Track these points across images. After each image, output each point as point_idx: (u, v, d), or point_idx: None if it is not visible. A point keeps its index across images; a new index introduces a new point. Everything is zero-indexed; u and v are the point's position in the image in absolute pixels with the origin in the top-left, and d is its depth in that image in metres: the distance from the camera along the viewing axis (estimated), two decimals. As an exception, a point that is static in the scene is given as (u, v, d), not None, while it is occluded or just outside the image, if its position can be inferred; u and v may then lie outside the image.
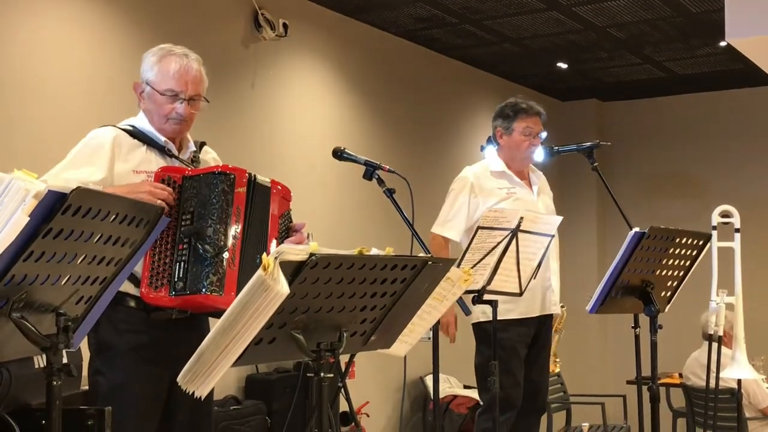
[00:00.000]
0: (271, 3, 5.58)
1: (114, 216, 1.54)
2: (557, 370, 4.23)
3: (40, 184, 1.24)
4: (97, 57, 4.65)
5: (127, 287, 2.58)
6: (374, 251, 2.10)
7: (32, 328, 1.45)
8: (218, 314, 2.66)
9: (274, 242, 2.71)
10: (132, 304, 2.58)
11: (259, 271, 1.75)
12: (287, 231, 2.80)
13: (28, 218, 1.23)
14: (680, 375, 6.31)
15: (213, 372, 1.77)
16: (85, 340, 2.64)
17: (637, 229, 3.02)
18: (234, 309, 1.77)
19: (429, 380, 6.27)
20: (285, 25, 5.60)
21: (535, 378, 3.96)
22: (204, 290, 2.53)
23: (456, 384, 6.57)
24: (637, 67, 7.62)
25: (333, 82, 6.19)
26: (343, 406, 5.45)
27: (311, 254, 1.88)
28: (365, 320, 2.23)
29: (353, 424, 5.54)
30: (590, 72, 7.84)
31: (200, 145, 2.89)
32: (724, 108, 8.37)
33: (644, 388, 3.53)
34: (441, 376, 6.45)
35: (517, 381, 3.86)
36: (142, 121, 2.78)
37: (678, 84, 8.11)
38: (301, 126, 5.92)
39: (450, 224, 4.00)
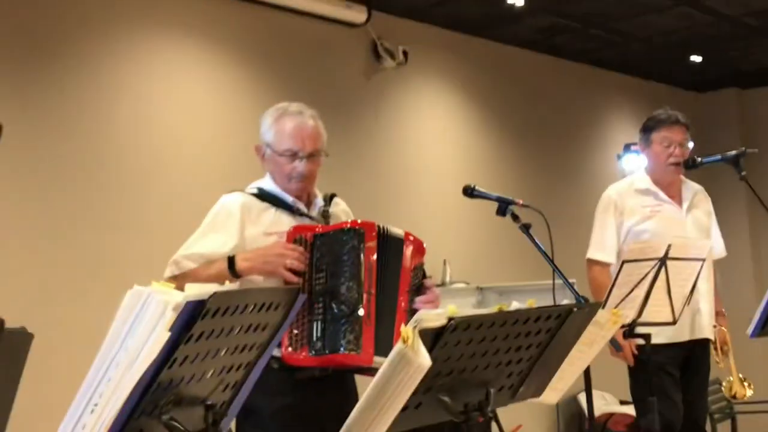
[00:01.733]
0: (388, 32, 5.59)
1: (252, 307, 1.54)
2: (750, 393, 3.97)
3: (178, 296, 1.25)
4: (225, 114, 4.78)
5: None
6: (514, 305, 2.04)
7: (182, 429, 1.46)
8: (358, 370, 2.68)
9: (405, 296, 2.68)
10: (275, 365, 2.59)
11: (399, 344, 1.71)
12: (420, 286, 2.76)
13: (169, 333, 1.25)
14: None
15: (361, 448, 1.75)
16: None
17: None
18: (377, 384, 1.74)
19: (583, 398, 6.10)
20: (405, 53, 5.60)
21: (691, 400, 3.78)
22: (342, 349, 2.53)
23: (612, 400, 6.37)
24: (777, 52, 7.23)
25: (457, 103, 6.14)
26: None
27: (450, 318, 1.84)
28: (512, 374, 2.16)
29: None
30: (727, 62, 7.49)
31: (330, 198, 2.89)
32: None
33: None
34: (595, 392, 6.29)
35: (673, 402, 3.68)
36: (268, 183, 2.81)
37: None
38: (429, 152, 5.90)
39: (603, 246, 3.86)
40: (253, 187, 2.82)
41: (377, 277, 2.61)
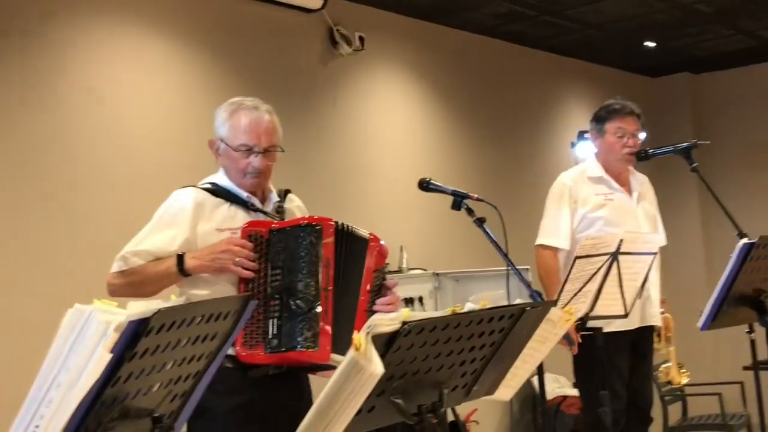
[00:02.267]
0: (345, 18, 5.54)
1: (199, 319, 1.51)
2: (685, 380, 4.05)
3: (120, 317, 1.22)
4: (178, 102, 4.69)
5: None
6: (468, 306, 2.03)
7: (127, 446, 1.43)
8: (315, 369, 2.67)
9: (367, 296, 2.66)
10: (228, 364, 2.56)
11: (351, 352, 1.70)
12: (380, 287, 2.75)
13: (110, 354, 1.21)
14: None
15: (313, 456, 1.73)
16: None
17: (745, 240, 2.86)
18: (329, 391, 1.73)
19: (536, 381, 6.15)
20: (361, 39, 5.56)
21: (636, 387, 3.83)
22: (299, 347, 2.51)
23: (565, 383, 6.43)
24: (729, 38, 7.31)
25: (415, 89, 6.12)
26: (451, 416, 5.41)
27: (403, 322, 1.83)
28: (465, 373, 2.16)
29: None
30: (680, 48, 7.56)
31: (284, 194, 2.86)
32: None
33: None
34: (549, 375, 6.36)
35: (618, 394, 3.72)
36: (222, 178, 2.77)
37: (774, 50, 7.74)
38: (386, 139, 5.88)
39: (556, 232, 3.86)
40: (206, 182, 2.78)
41: (335, 274, 2.58)
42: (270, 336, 2.52)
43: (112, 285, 2.64)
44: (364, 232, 2.68)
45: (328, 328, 2.53)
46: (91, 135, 4.34)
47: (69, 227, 4.22)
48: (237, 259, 2.54)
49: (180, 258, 2.59)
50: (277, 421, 2.63)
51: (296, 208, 2.90)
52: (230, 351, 2.57)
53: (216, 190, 2.73)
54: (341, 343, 2.53)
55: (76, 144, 4.29)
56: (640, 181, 4.03)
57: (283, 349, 2.51)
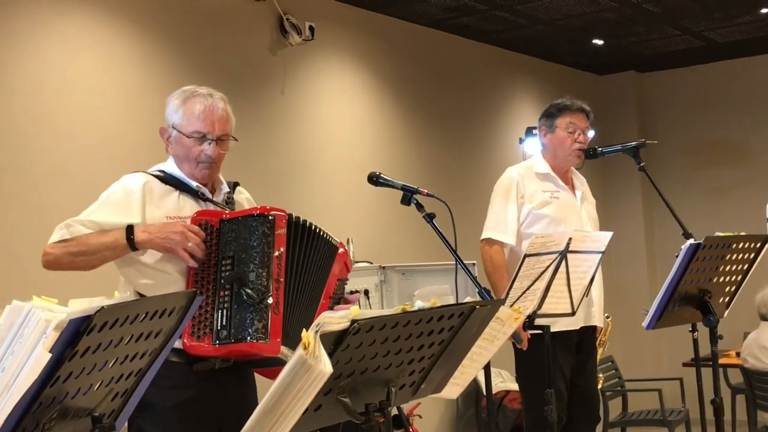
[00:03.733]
0: (295, 7, 5.47)
1: (143, 316, 1.46)
2: (599, 385, 4.11)
3: (61, 314, 1.16)
4: (122, 89, 4.57)
5: None
6: (418, 304, 2.01)
7: (66, 447, 1.38)
8: (263, 363, 2.62)
9: (328, 300, 2.65)
10: (173, 357, 2.50)
11: (299, 350, 1.66)
12: (340, 299, 2.74)
13: (50, 354, 1.16)
14: (738, 354, 6.16)
15: (259, 455, 1.69)
16: None
17: (692, 240, 2.89)
18: (276, 390, 1.69)
19: (481, 375, 6.18)
20: (311, 28, 5.50)
21: (585, 387, 3.84)
22: (249, 338, 2.45)
23: (508, 378, 6.47)
24: (675, 38, 7.41)
25: (364, 81, 6.08)
26: (395, 410, 5.41)
27: (353, 321, 1.80)
28: (413, 372, 2.14)
29: (403, 429, 5.48)
30: (627, 46, 7.64)
31: (233, 186, 2.82)
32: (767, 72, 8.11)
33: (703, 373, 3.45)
34: (492, 370, 6.39)
35: (560, 393, 3.73)
36: (171, 167, 2.71)
37: (719, 51, 7.86)
38: (335, 130, 5.83)
39: (505, 227, 3.82)
40: (155, 170, 2.72)
41: (287, 266, 2.54)
42: (218, 327, 2.47)
43: (49, 255, 2.53)
44: (335, 239, 2.69)
45: (279, 319, 2.49)
46: (36, 125, 4.21)
47: (8, 220, 4.09)
48: (189, 244, 2.48)
49: (130, 229, 2.51)
50: (222, 417, 2.58)
51: (245, 200, 2.86)
52: (176, 344, 2.51)
53: (166, 178, 2.67)
54: (292, 337, 2.49)
55: (21, 134, 4.16)
56: (581, 181, 4.05)
57: (233, 341, 2.46)
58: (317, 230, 2.64)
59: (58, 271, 2.58)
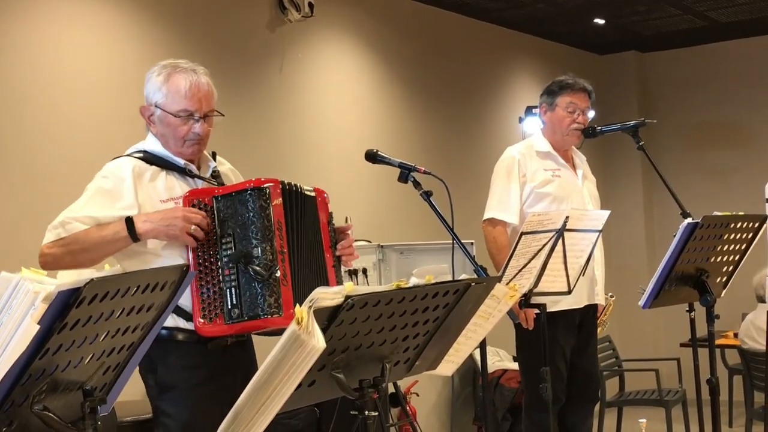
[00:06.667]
0: (294, -17, 5.43)
1: (134, 290, 1.45)
2: None
3: (50, 285, 1.15)
4: (117, 67, 4.53)
5: (178, 322, 2.52)
6: (413, 281, 2.00)
7: (56, 419, 1.37)
8: (275, 332, 2.59)
9: (330, 252, 2.63)
10: (185, 338, 2.52)
11: (293, 325, 1.66)
12: (336, 235, 2.70)
13: (38, 326, 1.15)
14: (735, 335, 6.17)
15: (251, 430, 1.69)
16: (142, 388, 2.60)
17: (689, 220, 2.87)
18: (268, 365, 1.68)
19: (477, 354, 6.18)
20: (311, 5, 5.45)
21: (585, 367, 3.84)
22: (263, 314, 2.45)
23: (505, 357, 6.49)
24: (677, 18, 7.36)
25: (363, 58, 6.05)
26: (392, 388, 5.41)
27: (347, 297, 1.79)
28: (408, 348, 2.14)
29: (400, 407, 5.50)
30: (629, 26, 7.60)
31: (213, 157, 2.75)
32: (769, 53, 8.07)
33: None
34: (489, 349, 6.39)
35: (560, 373, 3.74)
36: (153, 145, 2.64)
37: (720, 31, 7.82)
38: (333, 108, 5.80)
39: (508, 207, 3.78)
40: (136, 150, 2.64)
41: (288, 235, 2.51)
42: (229, 306, 2.46)
43: (47, 256, 2.46)
44: (309, 188, 2.62)
45: (289, 291, 2.48)
46: (27, 99, 4.18)
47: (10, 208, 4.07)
48: (191, 228, 2.45)
49: (130, 221, 2.47)
50: (235, 390, 2.59)
51: (229, 170, 2.80)
52: (186, 325, 2.52)
53: (150, 158, 2.61)
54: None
55: (9, 108, 4.13)
56: (582, 159, 4.03)
57: (246, 318, 2.45)
58: (303, 191, 2.59)
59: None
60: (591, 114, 3.92)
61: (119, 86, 4.52)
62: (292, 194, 2.57)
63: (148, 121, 2.65)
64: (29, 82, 4.18)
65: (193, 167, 2.65)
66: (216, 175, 2.69)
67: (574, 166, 3.95)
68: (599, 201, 4.01)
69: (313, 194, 2.62)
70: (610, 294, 3.96)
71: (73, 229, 2.48)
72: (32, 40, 4.20)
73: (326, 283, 2.56)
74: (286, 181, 2.56)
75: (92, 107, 4.42)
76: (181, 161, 2.63)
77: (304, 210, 2.59)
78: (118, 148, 2.73)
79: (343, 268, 2.74)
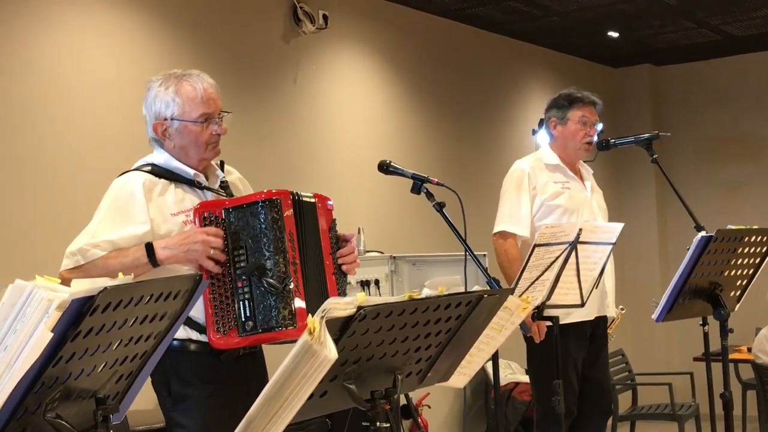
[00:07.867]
0: (309, -5, 5.46)
1: (148, 298, 1.46)
2: None
3: (64, 293, 1.16)
4: (132, 79, 4.55)
5: (190, 334, 2.53)
6: (426, 292, 2.00)
7: (68, 427, 1.38)
8: (287, 341, 2.59)
9: (330, 258, 2.61)
10: (198, 348, 2.53)
11: (305, 335, 1.66)
12: (337, 242, 2.68)
13: (52, 334, 1.16)
14: (749, 350, 6.13)
15: (263, 440, 1.69)
16: (155, 397, 2.61)
17: (704, 233, 2.86)
18: (280, 376, 1.68)
19: (489, 367, 6.16)
20: (325, 17, 5.48)
21: (597, 379, 3.82)
22: (277, 326, 2.45)
23: (518, 369, 6.46)
24: (691, 31, 7.35)
25: (377, 71, 6.07)
26: (403, 400, 5.40)
27: (359, 307, 1.79)
28: (420, 360, 2.13)
29: (412, 419, 5.49)
30: (642, 39, 7.59)
31: (221, 166, 2.75)
32: (785, 67, 8.04)
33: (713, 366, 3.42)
34: (501, 362, 6.38)
35: (571, 386, 3.72)
36: (162, 158, 2.63)
37: (735, 45, 7.80)
38: (347, 119, 5.82)
39: (519, 220, 3.77)
40: (144, 164, 2.64)
41: (299, 246, 2.51)
42: (243, 318, 2.45)
43: (67, 282, 2.48)
44: (309, 195, 2.61)
45: (303, 303, 2.48)
46: (43, 108, 4.21)
47: (8, 201, 4.09)
48: (211, 251, 2.44)
49: (150, 247, 2.47)
50: (247, 400, 2.59)
51: (237, 180, 2.80)
52: (198, 337, 2.53)
53: (159, 172, 2.60)
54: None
55: (17, 115, 4.15)
56: (589, 172, 4.03)
57: (260, 330, 2.45)
58: (302, 198, 2.58)
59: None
60: (599, 127, 3.92)
61: (137, 96, 4.53)
62: (301, 206, 2.57)
63: (163, 137, 2.64)
64: (46, 90, 4.21)
65: (202, 178, 2.65)
66: (225, 185, 2.70)
67: (582, 179, 3.95)
68: (607, 212, 4.01)
69: (313, 200, 2.62)
70: (621, 307, 3.95)
71: (92, 256, 2.46)
72: (50, 50, 4.24)
73: (325, 290, 2.55)
74: (296, 194, 2.56)
75: (109, 117, 4.44)
76: (191, 172, 2.62)
77: (311, 220, 2.60)
78: (133, 158, 2.74)
79: (352, 279, 2.72)
